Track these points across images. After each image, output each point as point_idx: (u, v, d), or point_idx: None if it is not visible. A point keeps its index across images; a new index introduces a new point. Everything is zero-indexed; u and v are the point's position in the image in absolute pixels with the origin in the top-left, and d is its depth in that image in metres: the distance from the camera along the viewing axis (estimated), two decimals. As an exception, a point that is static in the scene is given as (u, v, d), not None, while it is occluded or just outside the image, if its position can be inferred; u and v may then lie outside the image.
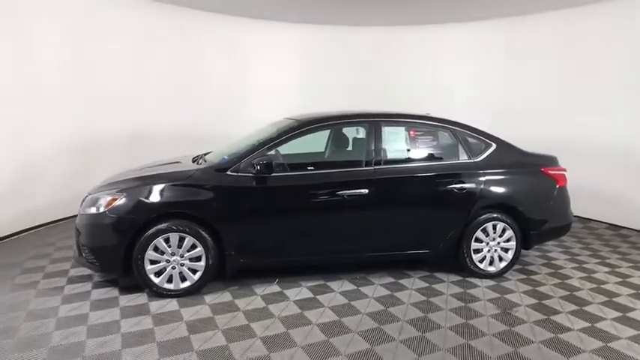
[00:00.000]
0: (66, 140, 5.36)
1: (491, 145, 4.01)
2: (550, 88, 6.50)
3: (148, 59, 6.27)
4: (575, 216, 6.47)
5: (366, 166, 3.70)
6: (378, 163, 3.72)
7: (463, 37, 7.37)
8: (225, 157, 3.64)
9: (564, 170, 4.19)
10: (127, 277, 3.48)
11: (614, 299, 3.62)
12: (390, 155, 3.79)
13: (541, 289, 3.81)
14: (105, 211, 3.28)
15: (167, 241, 3.32)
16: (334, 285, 3.75)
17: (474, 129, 4.06)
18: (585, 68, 6.10)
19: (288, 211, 3.57)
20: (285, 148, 3.96)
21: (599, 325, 3.17)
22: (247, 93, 7.42)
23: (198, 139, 6.52)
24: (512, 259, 4.00)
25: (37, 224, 5.14)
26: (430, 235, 3.87)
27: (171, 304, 3.29)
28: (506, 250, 3.99)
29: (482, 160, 3.93)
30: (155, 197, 3.31)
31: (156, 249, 3.31)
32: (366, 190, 3.59)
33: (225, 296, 3.47)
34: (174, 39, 6.58)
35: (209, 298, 3.42)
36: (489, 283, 3.89)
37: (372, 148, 3.74)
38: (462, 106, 7.27)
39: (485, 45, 7.19)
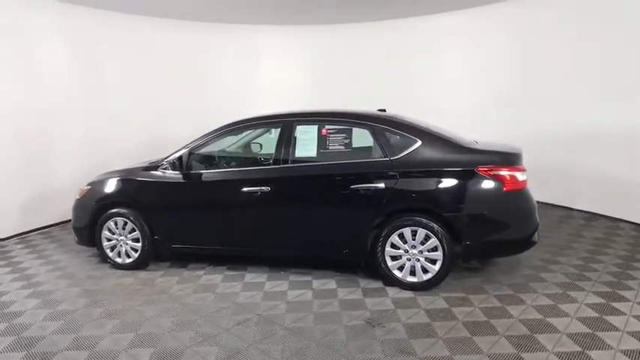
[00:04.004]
0: (136, 142, 6.89)
1: (414, 142, 3.57)
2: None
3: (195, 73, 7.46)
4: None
5: (274, 164, 3.84)
6: (285, 162, 3.80)
7: (468, 25, 6.65)
8: (170, 156, 4.30)
9: (519, 170, 3.40)
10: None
11: (535, 335, 2.85)
12: (298, 154, 3.79)
13: (457, 310, 3.24)
14: (78, 199, 4.37)
15: (117, 224, 4.21)
16: (250, 276, 4.00)
17: (399, 124, 3.68)
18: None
19: (201, 204, 4.01)
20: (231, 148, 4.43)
21: (456, 357, 2.62)
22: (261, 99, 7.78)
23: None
24: (439, 271, 3.49)
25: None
26: (335, 237, 3.72)
27: (115, 274, 4.15)
28: (433, 262, 3.51)
29: (399, 158, 3.55)
30: (105, 189, 4.22)
31: (110, 230, 4.24)
32: (268, 188, 3.74)
33: (157, 274, 4.14)
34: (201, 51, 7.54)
35: (143, 274, 4.15)
36: (404, 295, 3.51)
37: (281, 147, 3.83)
38: (486, 95, 6.61)
39: (492, 31, 6.41)
